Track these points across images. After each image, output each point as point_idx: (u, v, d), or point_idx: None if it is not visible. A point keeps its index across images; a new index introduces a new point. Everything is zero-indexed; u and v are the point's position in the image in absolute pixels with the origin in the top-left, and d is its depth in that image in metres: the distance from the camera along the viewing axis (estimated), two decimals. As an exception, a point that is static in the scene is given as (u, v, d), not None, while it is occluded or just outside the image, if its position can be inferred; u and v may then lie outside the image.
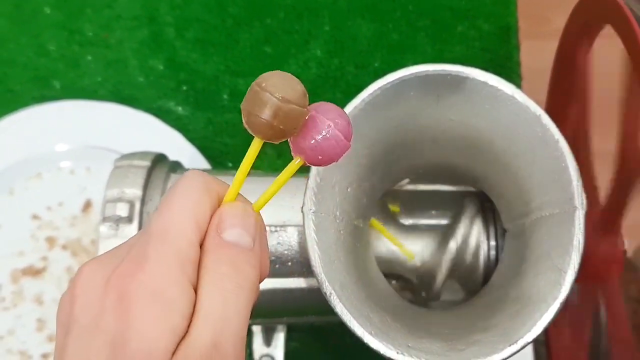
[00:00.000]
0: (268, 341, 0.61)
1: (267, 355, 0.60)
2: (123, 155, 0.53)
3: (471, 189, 0.54)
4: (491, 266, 0.51)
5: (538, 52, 0.72)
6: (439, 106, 0.47)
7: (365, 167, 0.47)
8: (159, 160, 0.53)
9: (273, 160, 0.69)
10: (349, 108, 0.45)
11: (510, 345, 0.41)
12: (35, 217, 0.66)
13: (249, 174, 0.56)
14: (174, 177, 0.52)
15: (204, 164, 0.66)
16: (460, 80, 0.46)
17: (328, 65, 0.72)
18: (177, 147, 0.66)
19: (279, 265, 0.49)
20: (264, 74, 0.29)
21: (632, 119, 0.50)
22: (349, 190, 0.46)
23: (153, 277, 0.28)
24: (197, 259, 0.29)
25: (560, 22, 0.57)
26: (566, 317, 0.60)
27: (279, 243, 0.49)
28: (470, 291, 0.53)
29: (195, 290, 0.29)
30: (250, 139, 0.73)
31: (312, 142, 0.29)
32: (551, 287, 0.42)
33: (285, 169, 0.31)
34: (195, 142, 0.67)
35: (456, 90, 0.46)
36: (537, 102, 0.46)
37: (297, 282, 0.50)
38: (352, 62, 0.73)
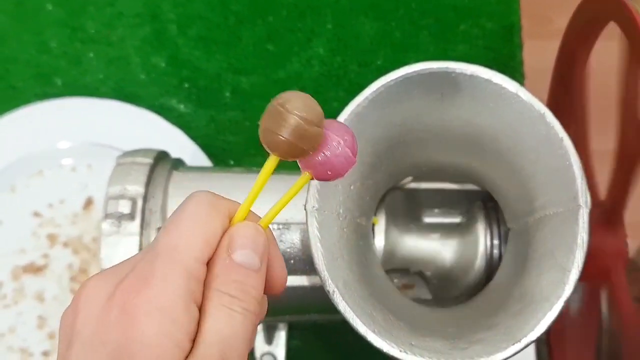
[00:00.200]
0: (269, 339, 0.60)
1: (269, 353, 0.60)
2: (125, 152, 0.53)
3: (474, 187, 0.54)
4: (494, 264, 0.51)
5: (540, 52, 0.72)
6: (443, 104, 0.47)
7: (368, 165, 0.47)
8: (161, 157, 0.53)
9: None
10: (353, 106, 0.45)
11: (513, 344, 0.41)
12: (36, 214, 0.66)
13: (251, 171, 0.56)
14: (176, 174, 0.52)
15: (206, 161, 0.66)
16: (464, 78, 0.45)
17: (331, 64, 0.72)
18: (179, 144, 0.65)
19: (281, 263, 0.49)
20: (284, 94, 0.30)
21: (631, 114, 0.49)
22: (352, 188, 0.46)
23: (159, 294, 0.28)
24: (202, 277, 0.30)
25: (562, 23, 0.57)
26: (569, 317, 0.60)
27: (281, 241, 0.49)
28: (473, 290, 0.52)
29: (200, 307, 0.29)
30: (251, 136, 0.73)
31: (322, 158, 0.30)
32: (555, 285, 0.42)
33: (294, 184, 0.32)
34: (197, 140, 0.67)
35: (460, 88, 0.46)
36: (540, 101, 0.46)
37: (299, 280, 0.50)
38: (355, 60, 0.72)
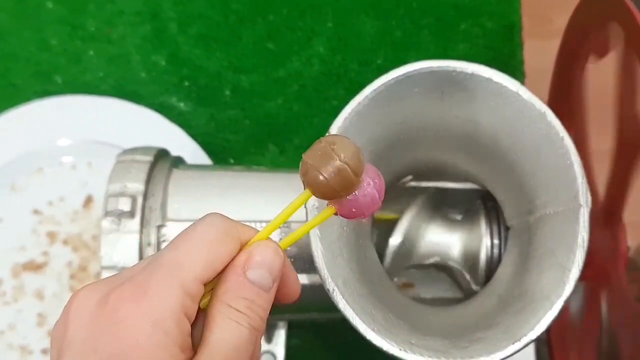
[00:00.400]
0: (269, 338, 0.60)
1: (268, 352, 0.60)
2: (125, 150, 0.53)
3: (475, 186, 0.54)
4: (494, 263, 0.51)
5: (541, 51, 0.72)
6: (443, 103, 0.47)
7: (368, 163, 0.47)
8: (162, 155, 0.53)
9: (276, 156, 0.69)
10: (353, 104, 0.45)
11: (513, 343, 0.41)
12: (36, 212, 0.66)
13: (251, 170, 0.56)
14: (176, 172, 0.52)
15: (206, 159, 0.66)
16: (465, 76, 0.45)
17: (331, 62, 0.72)
18: (179, 143, 0.65)
19: (281, 262, 0.49)
20: (336, 137, 0.31)
21: (629, 110, 0.49)
22: (352, 186, 0.46)
23: (155, 305, 0.29)
24: (198, 296, 0.30)
25: (562, 22, 0.57)
26: (569, 317, 0.60)
27: (281, 239, 0.49)
28: (472, 288, 0.52)
29: (192, 321, 0.30)
30: (250, 135, 0.72)
31: (351, 197, 0.31)
32: (555, 285, 0.42)
33: (318, 215, 0.33)
34: (197, 138, 0.67)
35: (460, 86, 0.46)
36: (540, 100, 0.46)
37: (300, 278, 0.49)
38: (355, 59, 0.72)
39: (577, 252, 0.42)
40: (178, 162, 0.54)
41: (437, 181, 0.54)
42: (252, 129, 0.70)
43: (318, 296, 0.45)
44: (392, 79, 0.45)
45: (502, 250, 0.51)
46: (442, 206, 0.55)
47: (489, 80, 0.45)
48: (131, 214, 0.48)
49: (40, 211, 0.66)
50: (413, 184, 0.54)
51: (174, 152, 0.56)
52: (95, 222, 0.65)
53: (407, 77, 0.45)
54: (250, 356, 0.31)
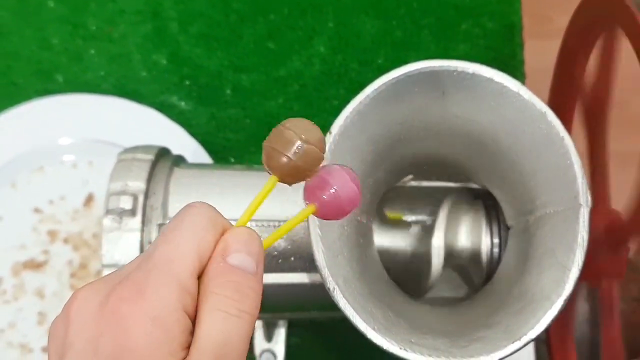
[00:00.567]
0: (269, 336, 0.60)
1: (268, 350, 0.60)
2: (127, 148, 0.53)
3: (475, 185, 0.54)
4: (494, 263, 0.51)
5: (541, 51, 0.72)
6: (444, 102, 0.47)
7: (369, 163, 0.47)
8: (163, 154, 0.53)
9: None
10: (354, 103, 0.45)
11: (513, 342, 0.41)
12: (37, 210, 0.66)
13: (252, 169, 0.56)
14: (177, 171, 0.52)
15: (207, 158, 0.66)
16: (466, 76, 0.45)
17: (332, 62, 0.72)
18: (180, 141, 0.65)
19: (281, 260, 0.49)
20: (292, 119, 0.31)
21: None
22: (353, 185, 0.46)
23: (153, 303, 0.28)
24: (195, 290, 0.30)
25: (562, 22, 0.57)
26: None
27: (282, 238, 0.49)
28: (472, 288, 0.53)
29: (192, 317, 0.29)
30: (251, 134, 0.72)
31: (332, 190, 0.31)
32: (555, 284, 0.42)
33: (297, 214, 0.32)
34: (197, 137, 0.67)
35: (461, 86, 0.46)
36: (541, 100, 0.46)
37: (300, 277, 0.50)
38: (356, 59, 0.72)
39: (577, 251, 0.43)
40: (179, 160, 0.54)
41: (438, 181, 0.54)
42: (253, 128, 0.70)
43: (318, 295, 0.45)
44: (393, 78, 0.45)
45: (502, 250, 0.51)
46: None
47: (490, 80, 0.45)
48: (132, 213, 0.48)
49: (40, 210, 0.66)
50: (413, 183, 0.54)
51: (175, 151, 0.56)
52: (96, 220, 0.65)
53: (408, 76, 0.45)
54: (245, 342, 0.30)
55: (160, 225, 0.49)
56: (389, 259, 0.52)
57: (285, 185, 0.52)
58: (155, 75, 0.71)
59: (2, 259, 0.64)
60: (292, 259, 0.49)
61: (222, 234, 0.31)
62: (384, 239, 0.52)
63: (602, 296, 0.55)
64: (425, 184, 0.54)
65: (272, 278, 0.49)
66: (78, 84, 0.71)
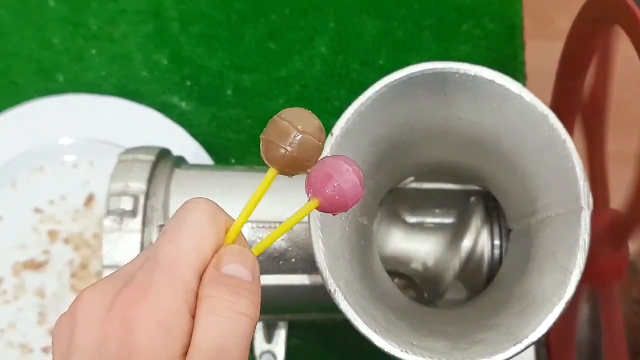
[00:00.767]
0: (269, 338, 0.60)
1: (268, 351, 0.60)
2: (127, 149, 0.53)
3: (476, 187, 0.54)
4: (495, 265, 0.51)
5: (542, 52, 0.72)
6: (446, 104, 0.47)
7: (370, 164, 0.47)
8: (164, 155, 0.53)
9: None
10: (356, 105, 0.45)
11: (515, 345, 0.41)
12: (37, 210, 0.66)
13: (253, 170, 0.56)
14: (178, 172, 0.52)
15: (207, 159, 0.66)
16: (468, 78, 0.45)
17: (333, 62, 0.72)
18: (181, 142, 0.65)
19: (282, 262, 0.49)
20: (287, 110, 0.31)
21: None
22: (354, 187, 0.46)
23: (157, 306, 0.28)
24: (197, 291, 0.30)
25: (563, 23, 0.57)
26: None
27: (283, 240, 0.49)
28: (474, 290, 0.53)
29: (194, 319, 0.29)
30: (252, 134, 0.72)
31: (336, 184, 0.30)
32: (556, 286, 0.42)
33: (300, 209, 0.32)
34: (198, 138, 0.67)
35: (463, 88, 0.46)
36: (543, 103, 0.46)
37: (300, 279, 0.50)
38: (357, 59, 0.72)
39: (578, 254, 0.43)
40: (180, 161, 0.54)
41: (439, 182, 0.54)
42: (254, 129, 0.70)
43: (319, 297, 0.45)
44: (395, 80, 0.45)
45: (502, 252, 0.51)
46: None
47: (492, 82, 0.45)
48: (133, 213, 0.48)
49: (41, 210, 0.66)
50: (415, 185, 0.54)
51: (176, 152, 0.56)
52: (97, 220, 0.65)
53: (410, 78, 0.45)
54: (244, 344, 0.29)
55: (160, 226, 0.49)
56: (407, 262, 0.52)
57: (288, 185, 0.52)
58: (156, 75, 0.71)
59: (3, 258, 0.64)
60: (293, 260, 0.49)
61: (224, 229, 0.31)
62: (403, 243, 0.52)
63: (603, 298, 0.55)
64: (426, 185, 0.54)
65: (273, 279, 0.49)
66: (79, 83, 0.71)
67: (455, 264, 0.50)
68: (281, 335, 0.60)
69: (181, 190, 0.51)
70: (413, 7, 0.74)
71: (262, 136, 0.31)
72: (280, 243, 0.49)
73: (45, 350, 0.62)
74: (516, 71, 0.72)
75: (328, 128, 0.45)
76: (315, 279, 0.49)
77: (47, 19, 0.72)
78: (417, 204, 0.54)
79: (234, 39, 0.73)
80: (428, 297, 0.53)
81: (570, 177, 0.44)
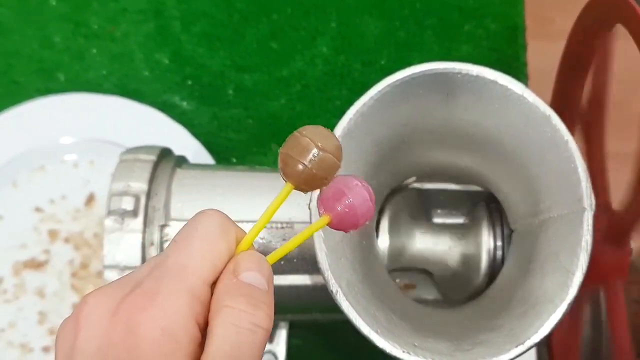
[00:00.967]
0: (270, 338, 0.60)
1: (269, 351, 0.60)
2: (129, 149, 0.53)
3: (478, 188, 0.54)
4: (497, 266, 0.51)
5: (543, 53, 0.72)
6: (448, 105, 0.47)
7: (372, 164, 0.47)
8: (165, 154, 0.53)
9: (278, 156, 0.68)
10: (358, 105, 0.45)
11: (517, 346, 0.41)
12: (38, 209, 0.66)
13: (254, 170, 0.56)
14: (179, 172, 0.52)
15: (208, 159, 0.66)
16: (470, 79, 0.45)
17: (334, 62, 0.72)
18: (182, 141, 0.65)
19: (284, 262, 0.49)
20: (309, 126, 0.31)
21: None
22: (356, 187, 0.46)
23: (164, 313, 0.28)
24: (207, 300, 0.30)
25: (564, 23, 0.57)
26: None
27: (284, 240, 0.49)
28: (475, 291, 0.52)
29: (203, 326, 0.29)
30: (253, 134, 0.72)
31: (348, 202, 0.31)
32: (559, 288, 0.42)
33: (310, 225, 0.32)
34: (199, 137, 0.67)
35: (465, 89, 0.46)
36: (545, 103, 0.45)
37: (302, 279, 0.50)
38: (359, 59, 0.72)
39: (580, 255, 0.42)
40: (181, 161, 0.54)
41: (441, 183, 0.54)
42: (255, 129, 0.70)
43: (321, 297, 0.45)
44: (397, 80, 0.45)
45: (505, 253, 0.51)
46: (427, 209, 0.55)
47: (494, 82, 0.45)
48: (134, 213, 0.48)
49: (41, 209, 0.66)
50: (416, 185, 0.54)
51: (177, 151, 0.56)
52: (97, 220, 0.65)
53: (412, 78, 0.45)
54: (257, 357, 0.29)
55: (162, 226, 0.49)
56: (435, 263, 0.52)
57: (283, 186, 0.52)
58: (157, 74, 0.71)
59: (3, 258, 0.64)
60: (295, 260, 0.49)
61: (235, 241, 0.31)
62: (429, 243, 0.52)
63: (607, 298, 0.55)
64: (428, 186, 0.54)
65: (274, 279, 0.49)
66: (80, 83, 0.70)
67: (481, 266, 0.50)
68: (282, 335, 0.60)
69: (182, 190, 0.51)
70: (415, 7, 0.74)
71: (281, 150, 0.31)
72: (282, 244, 0.49)
73: (45, 349, 0.62)
74: (518, 72, 0.72)
75: (330, 128, 0.45)
76: (317, 279, 0.49)
77: (48, 18, 0.72)
78: (428, 204, 0.55)
79: (236, 38, 0.73)
80: (448, 297, 0.53)
81: (573, 178, 0.44)
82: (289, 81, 0.71)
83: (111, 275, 0.48)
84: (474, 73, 0.45)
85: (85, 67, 0.71)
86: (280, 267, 0.49)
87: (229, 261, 0.31)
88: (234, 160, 0.69)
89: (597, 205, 0.44)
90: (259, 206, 0.50)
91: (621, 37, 0.50)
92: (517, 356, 0.41)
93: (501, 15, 0.74)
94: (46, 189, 0.66)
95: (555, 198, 0.45)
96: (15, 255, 0.64)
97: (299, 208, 0.49)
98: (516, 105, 0.45)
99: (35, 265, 0.64)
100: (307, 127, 0.31)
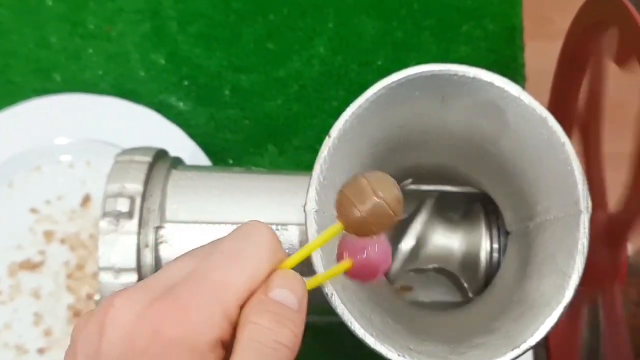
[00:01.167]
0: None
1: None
2: (124, 150, 0.53)
3: (475, 190, 0.53)
4: (493, 268, 0.51)
5: (541, 53, 0.71)
6: (444, 107, 0.46)
7: (368, 166, 0.47)
8: (161, 156, 0.53)
9: (275, 157, 0.69)
10: (354, 107, 0.45)
11: (513, 349, 0.41)
12: (33, 210, 0.65)
13: (250, 171, 0.55)
14: (175, 173, 0.52)
15: (205, 160, 0.65)
16: (466, 80, 0.45)
17: (331, 63, 0.72)
18: (178, 142, 0.65)
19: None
20: (378, 174, 0.31)
21: None
22: (352, 189, 0.46)
23: (194, 329, 0.28)
24: (236, 319, 0.29)
25: (563, 24, 0.57)
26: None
27: (280, 242, 0.49)
28: (471, 293, 0.52)
29: (228, 346, 0.29)
30: (250, 135, 0.72)
31: (369, 256, 0.31)
32: (555, 291, 0.42)
33: (332, 269, 0.33)
34: (196, 138, 0.67)
35: (462, 90, 0.46)
36: (542, 105, 0.45)
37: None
38: (356, 59, 0.72)
39: (577, 258, 0.42)
40: (177, 162, 0.54)
41: (437, 184, 0.54)
42: (252, 129, 0.70)
43: (316, 299, 0.45)
44: (393, 82, 0.45)
45: (501, 255, 0.51)
46: (442, 210, 0.55)
47: (491, 84, 0.45)
48: (129, 215, 0.48)
49: (37, 210, 0.65)
50: (413, 187, 0.53)
51: (173, 152, 0.56)
52: (94, 221, 0.65)
53: (408, 80, 0.45)
54: None
55: (157, 228, 0.49)
56: (446, 256, 0.52)
57: (286, 187, 0.52)
58: (153, 75, 0.71)
59: (-2, 259, 0.64)
60: (290, 262, 0.49)
61: (280, 263, 0.31)
62: (443, 238, 0.53)
63: (604, 301, 0.55)
64: (424, 187, 0.54)
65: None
66: (76, 83, 0.70)
67: (478, 268, 0.50)
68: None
69: (178, 192, 0.51)
70: (413, 8, 0.74)
71: (341, 189, 0.31)
72: (277, 245, 0.49)
73: (40, 351, 0.62)
74: (516, 72, 0.72)
75: (326, 129, 0.45)
76: (312, 281, 0.49)
77: (44, 18, 0.72)
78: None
79: (233, 38, 0.72)
80: (473, 290, 0.52)
81: (570, 181, 0.44)
82: (285, 82, 0.71)
83: (106, 278, 0.47)
84: (471, 75, 0.45)
85: (81, 67, 0.71)
86: (276, 269, 0.49)
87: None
88: (231, 161, 0.69)
89: (594, 207, 0.43)
90: (255, 208, 0.51)
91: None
92: (514, 359, 0.41)
93: (499, 16, 0.74)
94: (42, 190, 0.66)
95: (551, 200, 0.45)
96: (10, 256, 0.64)
97: (294, 209, 0.49)
98: (512, 108, 0.45)
99: (31, 266, 0.64)
100: (372, 173, 0.31)
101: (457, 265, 0.52)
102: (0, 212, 0.65)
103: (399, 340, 0.42)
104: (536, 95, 0.45)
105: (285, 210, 0.49)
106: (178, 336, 0.27)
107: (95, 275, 0.63)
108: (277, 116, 0.70)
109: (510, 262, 0.49)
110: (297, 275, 0.31)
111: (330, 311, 0.42)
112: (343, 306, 0.42)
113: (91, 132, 0.66)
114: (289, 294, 0.30)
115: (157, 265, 0.48)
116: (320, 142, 0.45)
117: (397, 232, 0.52)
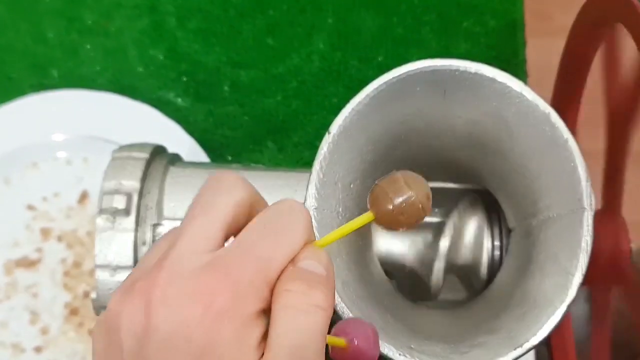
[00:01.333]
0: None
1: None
2: (121, 146, 0.52)
3: (477, 187, 0.53)
4: (495, 266, 0.51)
5: (543, 49, 0.71)
6: (446, 102, 0.46)
7: (369, 163, 0.46)
8: (158, 152, 0.52)
9: (274, 153, 0.68)
10: (354, 103, 0.44)
11: (515, 349, 0.40)
12: (30, 207, 0.65)
13: (249, 168, 0.55)
14: (172, 169, 0.51)
15: (203, 156, 0.65)
16: (468, 76, 0.45)
17: (331, 59, 0.71)
18: (176, 139, 0.64)
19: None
20: (413, 174, 0.33)
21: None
22: (352, 186, 0.46)
23: (243, 298, 0.29)
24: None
25: (563, 19, 0.56)
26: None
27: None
28: (473, 291, 0.52)
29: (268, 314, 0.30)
30: (249, 131, 0.72)
31: (360, 344, 0.32)
32: (558, 290, 0.41)
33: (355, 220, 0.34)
34: (194, 134, 0.66)
35: (463, 86, 0.45)
36: (545, 101, 0.45)
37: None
38: (356, 55, 0.71)
39: (580, 256, 0.42)
40: (175, 159, 0.53)
41: (439, 181, 0.53)
42: (251, 126, 0.69)
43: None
44: (394, 77, 0.44)
45: (503, 253, 0.50)
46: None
47: (493, 79, 0.45)
48: (126, 212, 0.48)
49: (34, 207, 0.65)
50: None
51: (171, 148, 0.55)
52: (91, 218, 0.64)
53: (409, 76, 0.44)
54: (321, 337, 0.30)
55: (154, 226, 0.48)
56: (394, 262, 0.51)
57: (285, 184, 0.51)
58: (152, 70, 0.70)
59: (-5, 256, 0.64)
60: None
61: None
62: (388, 242, 0.52)
63: (594, 299, 0.55)
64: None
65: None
66: (73, 78, 0.70)
67: (439, 265, 0.49)
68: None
69: (176, 189, 0.50)
70: (413, 3, 0.73)
71: (377, 182, 0.33)
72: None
73: (37, 349, 0.61)
74: (517, 69, 0.71)
75: (326, 125, 0.45)
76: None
77: (41, 13, 0.72)
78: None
79: (232, 34, 0.72)
80: (419, 297, 0.52)
81: (573, 177, 0.43)
82: (285, 78, 0.71)
83: (103, 275, 0.47)
84: (472, 70, 0.44)
85: (78, 63, 0.70)
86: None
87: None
88: (229, 157, 0.68)
89: (607, 211, 0.43)
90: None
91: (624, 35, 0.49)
92: (515, 359, 0.41)
93: (500, 12, 0.73)
94: (39, 187, 0.65)
95: (554, 197, 0.44)
96: (6, 254, 0.64)
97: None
98: (515, 103, 0.45)
99: (27, 263, 0.63)
100: (406, 171, 0.33)
101: (466, 262, 0.52)
102: (-3, 209, 0.65)
103: (400, 339, 0.42)
104: (538, 92, 0.45)
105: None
106: (229, 308, 0.29)
107: (92, 272, 0.62)
108: (277, 112, 0.70)
109: (513, 260, 0.49)
110: (319, 248, 0.33)
111: (330, 310, 0.42)
112: (343, 305, 0.41)
113: (88, 128, 0.66)
114: (315, 263, 0.31)
115: (155, 263, 0.47)
116: (319, 138, 0.44)
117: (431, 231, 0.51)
